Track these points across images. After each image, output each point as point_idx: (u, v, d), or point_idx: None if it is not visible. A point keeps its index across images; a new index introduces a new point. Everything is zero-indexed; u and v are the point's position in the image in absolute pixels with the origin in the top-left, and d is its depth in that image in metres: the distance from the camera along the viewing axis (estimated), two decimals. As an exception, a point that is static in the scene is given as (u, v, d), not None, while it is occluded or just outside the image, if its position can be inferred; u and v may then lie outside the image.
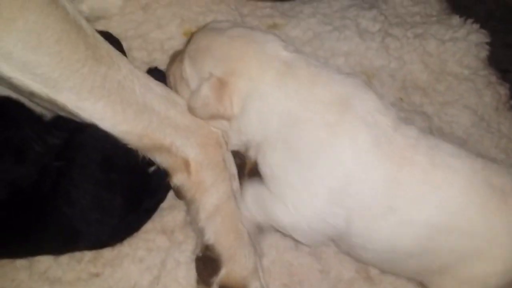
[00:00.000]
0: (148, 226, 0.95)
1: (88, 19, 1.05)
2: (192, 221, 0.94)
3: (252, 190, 0.89)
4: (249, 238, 0.93)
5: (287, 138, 0.83)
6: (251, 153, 0.89)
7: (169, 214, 0.97)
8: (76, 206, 0.89)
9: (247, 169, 0.97)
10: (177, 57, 0.97)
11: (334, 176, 0.82)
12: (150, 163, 0.94)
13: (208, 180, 0.92)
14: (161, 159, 0.93)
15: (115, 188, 0.91)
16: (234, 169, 0.96)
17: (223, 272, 0.90)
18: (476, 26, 1.26)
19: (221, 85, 0.86)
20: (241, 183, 0.95)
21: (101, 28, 1.07)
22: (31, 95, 0.86)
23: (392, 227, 0.82)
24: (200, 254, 0.91)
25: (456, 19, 1.27)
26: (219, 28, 0.92)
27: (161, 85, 0.93)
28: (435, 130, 1.15)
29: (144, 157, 0.92)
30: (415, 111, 1.16)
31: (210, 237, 0.91)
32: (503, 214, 0.82)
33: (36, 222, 0.87)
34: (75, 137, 0.92)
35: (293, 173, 0.83)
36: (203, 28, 0.95)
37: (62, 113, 0.90)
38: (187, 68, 0.91)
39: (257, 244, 0.94)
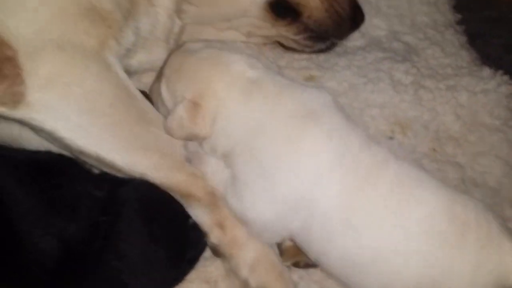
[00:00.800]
0: (192, 275, 0.98)
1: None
2: (234, 275, 0.96)
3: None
4: (290, 279, 0.96)
5: (252, 147, 0.88)
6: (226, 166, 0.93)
7: (211, 264, 0.99)
8: (124, 259, 0.92)
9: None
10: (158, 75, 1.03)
11: (290, 186, 0.85)
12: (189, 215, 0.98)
13: (243, 236, 0.95)
14: (198, 216, 0.96)
15: (158, 240, 0.94)
16: None
17: None
18: (506, 77, 1.30)
19: (194, 106, 0.91)
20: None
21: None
22: (81, 153, 0.91)
23: (350, 241, 0.84)
24: None
25: (486, 71, 1.30)
26: (191, 49, 0.98)
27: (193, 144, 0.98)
28: (467, 180, 1.17)
29: (183, 209, 0.96)
30: (448, 162, 1.19)
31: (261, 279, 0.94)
32: (460, 247, 0.82)
33: (87, 276, 0.90)
34: (118, 191, 0.95)
35: (253, 179, 0.88)
36: (178, 49, 1.01)
37: (107, 169, 0.94)
38: (163, 88, 0.97)
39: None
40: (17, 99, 0.85)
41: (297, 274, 1.00)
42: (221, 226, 0.95)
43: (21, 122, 0.90)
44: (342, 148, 0.85)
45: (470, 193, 1.10)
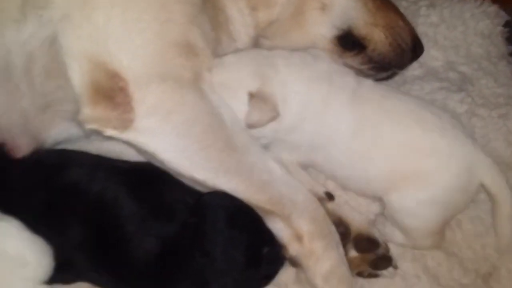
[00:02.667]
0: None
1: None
2: (309, 284, 1.08)
3: None
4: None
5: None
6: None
7: (282, 270, 1.12)
8: (208, 256, 1.06)
9: (352, 235, 1.13)
10: None
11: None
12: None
13: (319, 249, 1.06)
14: (278, 230, 1.07)
15: (237, 243, 1.08)
16: (337, 237, 1.10)
17: None
18: (554, 108, 1.38)
19: (263, 97, 1.06)
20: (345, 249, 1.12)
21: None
22: (177, 173, 1.05)
23: (365, 147, 1.10)
24: None
25: (536, 100, 1.39)
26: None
27: (281, 167, 1.10)
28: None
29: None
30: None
31: None
32: (441, 129, 1.09)
33: (179, 269, 1.06)
34: (204, 197, 1.10)
35: None
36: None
37: (198, 186, 1.08)
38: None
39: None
40: (126, 124, 0.98)
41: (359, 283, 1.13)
42: (299, 239, 1.06)
43: (127, 143, 1.03)
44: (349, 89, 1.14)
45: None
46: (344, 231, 1.13)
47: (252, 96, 1.08)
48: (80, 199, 1.06)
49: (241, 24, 1.20)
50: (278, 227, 1.07)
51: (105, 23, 0.97)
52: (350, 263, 1.11)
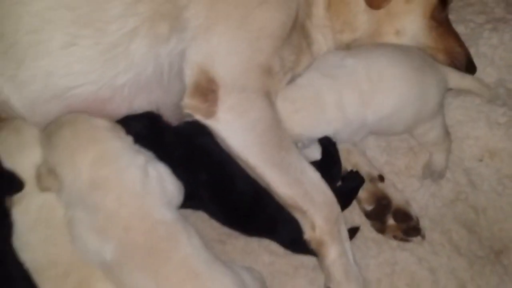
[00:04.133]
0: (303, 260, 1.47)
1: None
2: (320, 263, 1.39)
3: None
4: (358, 274, 1.36)
5: None
6: None
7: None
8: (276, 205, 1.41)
9: (392, 208, 1.52)
10: None
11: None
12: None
13: (327, 241, 1.34)
14: (297, 217, 1.36)
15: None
16: (346, 235, 1.39)
17: None
18: None
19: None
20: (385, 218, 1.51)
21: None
22: (238, 157, 1.36)
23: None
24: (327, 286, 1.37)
25: None
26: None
27: (314, 170, 1.39)
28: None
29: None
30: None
31: (332, 281, 1.35)
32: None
33: (264, 209, 1.42)
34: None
35: None
36: None
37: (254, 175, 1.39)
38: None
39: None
40: (210, 115, 1.34)
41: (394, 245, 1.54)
42: (313, 229, 1.34)
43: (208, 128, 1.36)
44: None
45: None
46: (386, 203, 1.51)
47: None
48: (206, 155, 1.44)
49: (323, 44, 1.57)
50: (297, 215, 1.37)
51: (217, 45, 1.35)
52: (388, 228, 1.51)
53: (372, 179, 1.54)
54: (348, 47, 1.61)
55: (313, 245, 1.37)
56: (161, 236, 1.21)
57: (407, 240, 1.52)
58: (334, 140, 1.49)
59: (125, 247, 1.19)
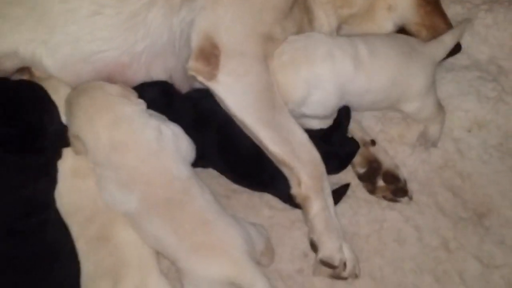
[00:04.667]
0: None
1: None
2: (304, 217, 1.52)
3: None
4: (338, 226, 1.48)
5: None
6: None
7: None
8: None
9: (382, 170, 1.66)
10: None
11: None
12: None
13: (311, 196, 1.46)
14: (286, 173, 1.49)
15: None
16: (329, 191, 1.51)
17: (320, 252, 1.45)
18: None
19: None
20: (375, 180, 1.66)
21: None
22: (235, 117, 1.49)
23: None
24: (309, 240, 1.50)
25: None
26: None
27: (302, 131, 1.51)
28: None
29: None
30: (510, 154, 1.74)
31: (314, 232, 1.47)
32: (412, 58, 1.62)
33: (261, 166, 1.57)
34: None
35: None
36: None
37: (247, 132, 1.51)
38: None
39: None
40: (211, 77, 1.45)
41: (383, 204, 1.68)
42: (299, 185, 1.47)
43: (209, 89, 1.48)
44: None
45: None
46: (376, 166, 1.65)
47: None
48: (212, 117, 1.57)
49: (324, 21, 1.71)
50: (285, 171, 1.50)
51: (223, 15, 1.47)
52: (378, 189, 1.65)
53: (365, 144, 1.67)
54: (346, 22, 1.76)
55: (298, 200, 1.49)
56: (177, 190, 1.37)
57: (395, 201, 1.65)
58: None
59: (147, 199, 1.34)
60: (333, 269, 1.47)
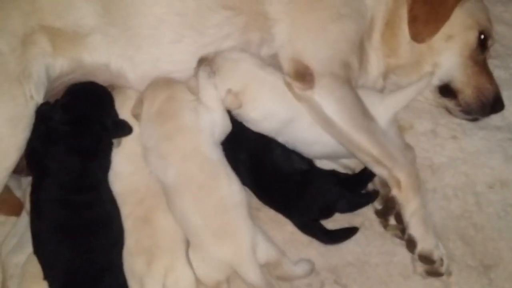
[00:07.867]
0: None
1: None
2: (399, 217, 1.69)
3: None
4: (432, 225, 1.65)
5: None
6: None
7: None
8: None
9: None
10: None
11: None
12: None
13: (411, 195, 1.64)
14: (382, 175, 1.67)
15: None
16: (421, 187, 1.69)
17: (419, 247, 1.63)
18: None
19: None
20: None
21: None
22: (329, 124, 1.71)
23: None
24: (406, 238, 1.67)
25: None
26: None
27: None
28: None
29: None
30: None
31: (412, 228, 1.65)
32: None
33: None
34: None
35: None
36: None
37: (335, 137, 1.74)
38: None
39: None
40: (307, 89, 1.68)
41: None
42: (398, 185, 1.64)
43: (304, 100, 1.70)
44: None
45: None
46: (391, 206, 1.72)
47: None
48: (246, 138, 1.78)
49: (375, 65, 1.91)
50: (384, 175, 1.66)
51: (311, 43, 1.75)
52: (389, 226, 1.77)
53: (385, 185, 1.79)
54: (394, 73, 1.95)
55: (399, 200, 1.65)
56: (209, 173, 1.61)
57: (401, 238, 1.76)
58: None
59: (182, 175, 1.61)
60: (430, 264, 1.63)
